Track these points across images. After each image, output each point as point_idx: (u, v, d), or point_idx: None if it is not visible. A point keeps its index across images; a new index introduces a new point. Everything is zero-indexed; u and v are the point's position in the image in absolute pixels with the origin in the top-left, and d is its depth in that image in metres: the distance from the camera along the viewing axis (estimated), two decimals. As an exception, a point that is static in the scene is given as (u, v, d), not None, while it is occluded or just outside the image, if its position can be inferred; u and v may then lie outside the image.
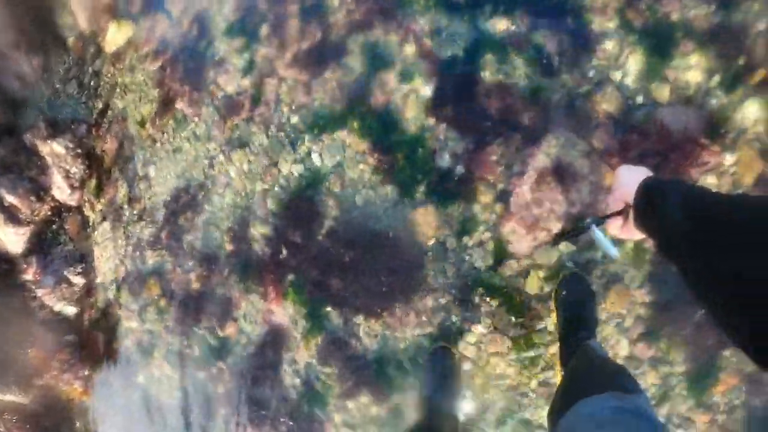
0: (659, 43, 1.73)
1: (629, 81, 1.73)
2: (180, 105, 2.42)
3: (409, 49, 1.88)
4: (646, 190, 0.77)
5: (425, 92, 1.81)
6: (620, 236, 0.91)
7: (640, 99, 1.72)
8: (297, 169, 1.97)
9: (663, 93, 1.71)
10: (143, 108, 2.64)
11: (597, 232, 0.94)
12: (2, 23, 3.11)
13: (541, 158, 1.69)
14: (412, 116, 1.81)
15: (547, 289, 1.66)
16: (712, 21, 1.73)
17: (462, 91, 1.76)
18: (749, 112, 1.67)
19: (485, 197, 1.70)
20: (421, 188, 1.77)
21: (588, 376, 1.19)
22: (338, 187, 1.88)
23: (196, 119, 2.35)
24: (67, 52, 3.22)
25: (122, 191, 2.66)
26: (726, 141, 1.67)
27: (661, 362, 1.67)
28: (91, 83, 3.02)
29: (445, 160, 1.74)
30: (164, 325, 2.34)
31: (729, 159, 1.66)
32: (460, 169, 1.73)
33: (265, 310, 2.02)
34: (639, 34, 1.74)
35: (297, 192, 1.95)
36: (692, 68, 1.71)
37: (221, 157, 2.19)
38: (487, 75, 1.77)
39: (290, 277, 1.94)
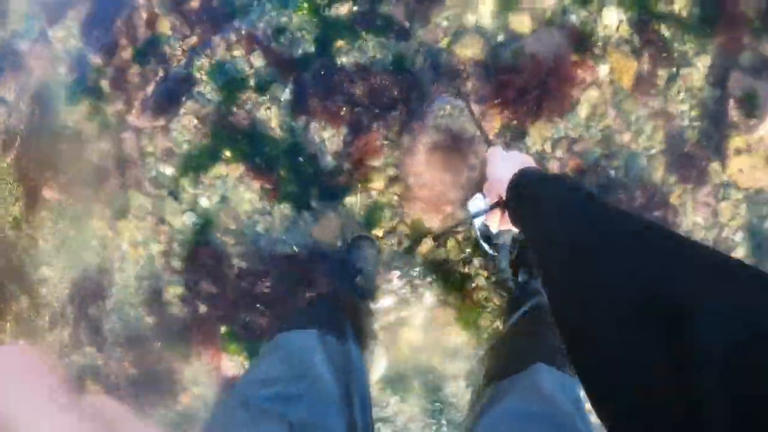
0: None
1: (486, 22, 1.70)
2: (48, 193, 2.21)
3: (259, 60, 1.77)
4: (515, 187, 0.71)
5: (285, 97, 1.71)
6: (503, 228, 0.85)
7: (501, 37, 1.70)
8: (188, 219, 1.83)
9: (523, 24, 1.69)
10: (13, 209, 2.40)
11: (476, 229, 0.88)
12: None
13: (429, 131, 1.64)
14: (279, 125, 1.71)
15: (468, 249, 1.63)
16: None
17: (323, 85, 1.68)
18: (609, 18, 1.69)
19: (379, 183, 1.64)
20: (315, 196, 1.68)
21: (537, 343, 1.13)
22: (232, 222, 1.76)
23: (70, 202, 2.15)
24: None
25: (25, 303, 2.42)
26: (595, 52, 1.68)
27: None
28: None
29: (327, 160, 1.66)
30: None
31: (603, 69, 1.69)
32: (346, 165, 1.65)
33: (210, 369, 1.90)
34: None
35: (195, 241, 1.82)
36: None
37: (109, 233, 2.02)
38: (345, 61, 1.69)
39: (222, 329, 1.82)
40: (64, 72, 2.21)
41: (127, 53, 2.02)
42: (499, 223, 0.83)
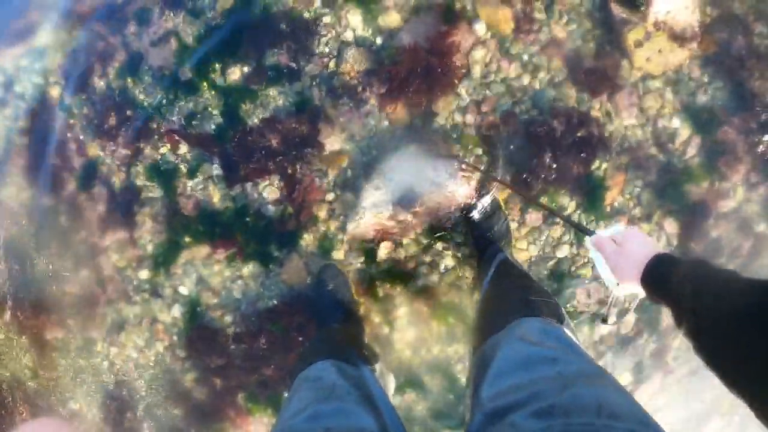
0: None
1: (361, 32, 1.83)
2: (50, 335, 2.35)
3: (183, 148, 1.93)
4: (654, 274, 0.82)
5: (216, 172, 1.86)
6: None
7: (379, 40, 1.83)
8: (176, 311, 1.97)
9: (393, 21, 1.81)
10: (25, 360, 2.54)
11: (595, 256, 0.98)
12: None
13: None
14: (220, 198, 1.86)
15: (425, 240, 1.76)
16: None
17: (243, 150, 1.83)
18: None
19: (323, 213, 1.78)
20: (273, 247, 1.82)
21: (506, 300, 1.18)
22: (213, 298, 1.90)
23: (70, 336, 2.29)
24: None
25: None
26: (467, 15, 1.79)
27: (554, 215, 1.78)
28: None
29: (270, 211, 1.80)
30: None
31: (480, 27, 1.78)
32: (289, 209, 1.79)
33: (245, 435, 2.01)
34: None
35: (189, 328, 1.96)
36: None
37: (113, 350, 2.16)
38: (255, 121, 1.85)
39: (240, 395, 1.94)
40: (25, 222, 2.37)
41: (71, 185, 2.19)
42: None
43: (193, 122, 1.89)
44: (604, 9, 1.77)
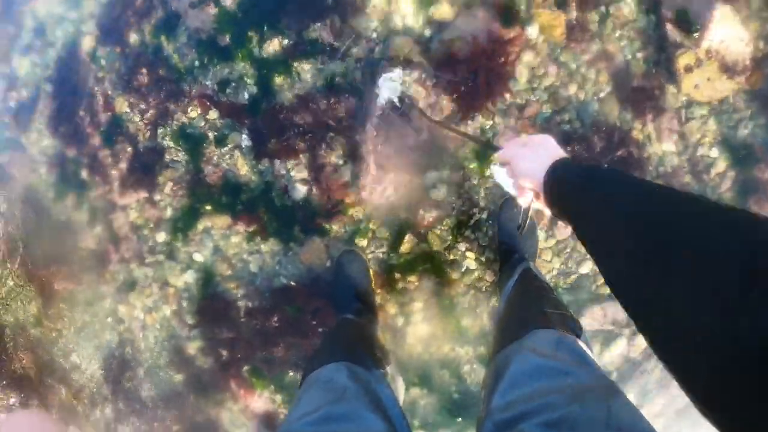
0: None
1: (411, 21, 1.79)
2: (59, 286, 2.35)
3: (213, 114, 1.90)
4: (552, 182, 0.73)
5: (245, 143, 1.83)
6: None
7: (428, 32, 1.78)
8: (189, 277, 1.96)
9: (445, 12, 1.77)
10: (31, 308, 2.55)
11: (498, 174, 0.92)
12: None
13: (375, 128, 1.75)
14: (247, 170, 1.83)
15: (450, 237, 1.73)
16: None
17: (274, 124, 1.80)
18: None
19: (351, 198, 1.75)
20: (296, 227, 1.80)
21: (526, 308, 1.18)
22: (228, 269, 1.89)
23: (79, 289, 2.29)
24: None
25: (64, 391, 2.57)
26: (521, 16, 1.75)
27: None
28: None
29: (298, 192, 1.78)
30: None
31: (532, 30, 1.74)
32: (315, 191, 1.77)
33: (243, 408, 2.02)
34: None
35: (201, 295, 1.95)
36: None
37: (122, 308, 2.16)
38: (288, 96, 1.81)
39: (245, 368, 1.94)
40: (44, 172, 2.36)
41: (95, 139, 2.16)
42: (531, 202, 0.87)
43: (227, 90, 1.86)
44: (659, 29, 1.72)
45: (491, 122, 1.74)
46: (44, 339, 2.55)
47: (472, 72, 1.73)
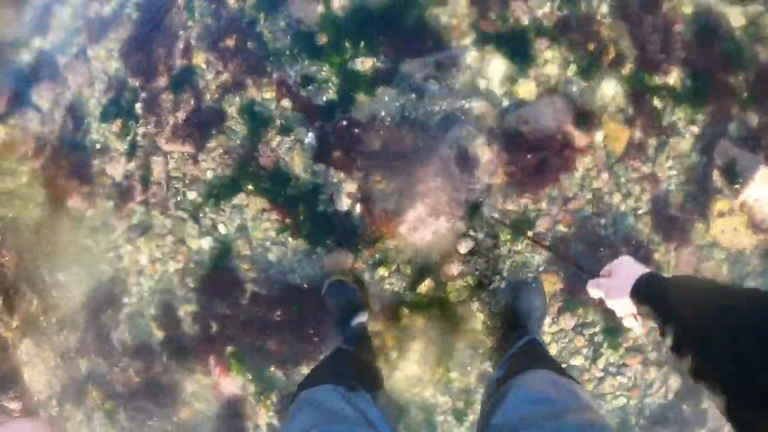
0: (515, 46, 1.89)
1: (495, 87, 1.87)
2: (72, 202, 2.34)
3: (287, 103, 1.94)
4: (643, 286, 0.88)
5: (309, 141, 1.87)
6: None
7: (506, 102, 1.87)
8: (206, 243, 1.98)
9: (529, 91, 1.86)
10: (33, 212, 2.53)
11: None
12: None
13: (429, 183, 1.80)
14: (302, 167, 1.87)
15: (466, 293, 1.78)
16: (559, 15, 1.90)
17: (344, 136, 1.84)
18: (607, 90, 1.87)
19: (391, 229, 1.79)
20: (328, 234, 1.83)
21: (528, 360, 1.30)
22: (248, 249, 1.91)
23: (91, 212, 2.29)
24: None
25: (34, 303, 2.54)
26: (593, 120, 1.85)
27: (584, 326, 1.83)
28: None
29: (343, 203, 1.82)
30: (120, 427, 2.28)
31: (599, 135, 1.85)
32: (359, 208, 1.81)
33: (212, 385, 2.02)
34: (495, 42, 1.88)
35: (212, 264, 1.97)
36: (549, 62, 1.88)
37: (128, 247, 2.16)
38: (364, 114, 1.86)
39: (229, 348, 1.95)
40: (100, 90, 2.37)
41: (163, 80, 2.19)
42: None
43: (308, 87, 1.90)
44: (706, 169, 1.83)
45: (537, 206, 1.81)
46: (35, 248, 2.53)
47: (535, 154, 1.80)
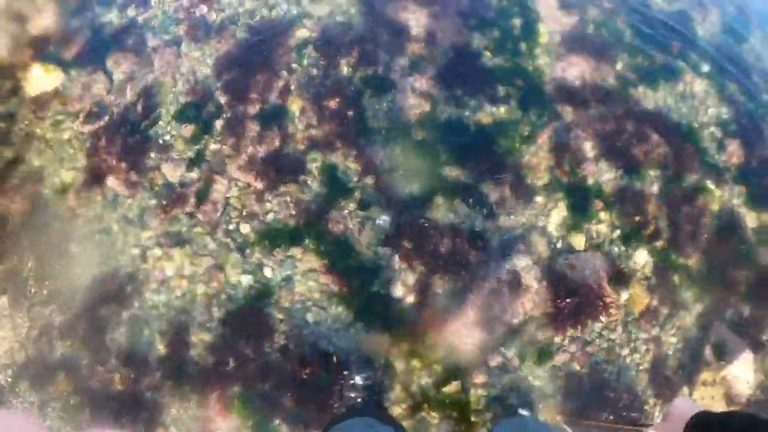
0: (577, 200, 2.10)
1: (553, 229, 2.07)
2: (112, 182, 2.31)
3: (369, 180, 2.03)
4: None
5: (382, 223, 1.96)
6: None
7: (560, 245, 2.06)
8: (246, 280, 1.99)
9: (578, 243, 2.07)
10: (66, 174, 2.46)
11: None
12: None
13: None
14: (368, 243, 1.95)
15: (483, 405, 1.88)
16: (618, 184, 2.16)
17: (417, 231, 1.94)
18: (640, 258, 2.11)
19: (436, 326, 1.88)
20: (374, 314, 1.89)
21: None
22: (288, 302, 1.94)
23: (130, 201, 2.25)
24: None
25: (29, 263, 2.42)
26: (624, 282, 2.08)
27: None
28: (1, 125, 2.71)
29: (398, 290, 1.90)
30: (72, 425, 2.16)
31: (624, 295, 2.08)
32: (410, 299, 1.89)
33: (203, 418, 1.98)
34: (563, 190, 2.08)
35: (245, 302, 1.97)
36: (602, 222, 2.11)
37: (157, 251, 2.13)
38: (439, 215, 1.98)
39: (236, 388, 1.93)
40: (183, 88, 2.38)
41: (253, 108, 2.24)
42: None
43: (394, 174, 2.01)
44: (701, 344, 2.10)
45: (561, 341, 1.98)
46: (54, 207, 2.44)
47: (574, 298, 1.98)
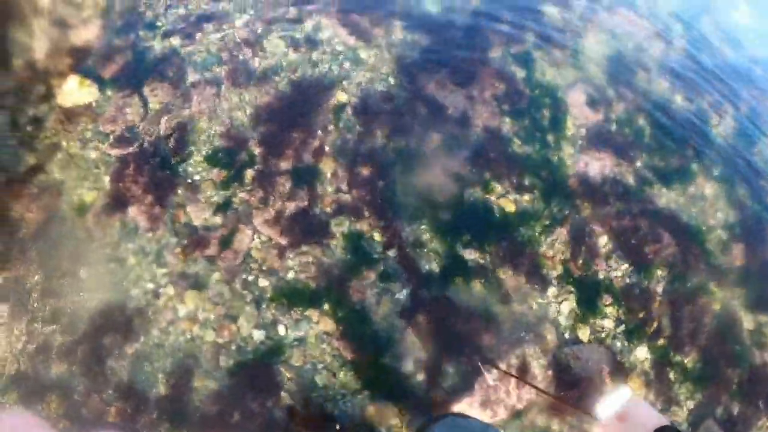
0: (588, 293, 2.23)
1: (563, 319, 2.19)
2: (134, 213, 2.35)
3: (392, 253, 2.12)
4: None
5: (401, 297, 2.06)
6: None
7: (567, 335, 2.18)
8: (259, 334, 2.05)
9: (585, 333, 2.19)
10: (87, 193, 2.49)
11: None
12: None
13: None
14: (384, 314, 2.03)
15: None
16: (627, 281, 2.30)
17: (434, 309, 2.04)
18: (640, 354, 2.26)
19: (441, 404, 1.97)
20: (382, 385, 1.97)
21: None
22: (299, 362, 2.00)
23: (150, 235, 2.29)
24: (8, 73, 2.87)
25: (36, 277, 2.43)
26: (623, 375, 2.20)
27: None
28: (28, 128, 2.72)
29: (408, 365, 1.99)
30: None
31: (623, 386, 2.20)
32: (420, 376, 1.98)
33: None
34: (575, 283, 2.21)
35: (255, 357, 2.03)
36: (608, 317, 2.24)
37: (171, 290, 2.18)
38: (458, 296, 2.09)
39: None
40: (218, 130, 2.47)
41: (286, 164, 2.33)
42: None
43: (417, 249, 2.11)
44: None
45: (559, 427, 2.09)
46: (70, 225, 2.46)
47: (576, 390, 2.10)
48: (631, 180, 2.71)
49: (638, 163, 2.80)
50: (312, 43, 2.66)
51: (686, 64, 3.55)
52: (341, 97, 2.49)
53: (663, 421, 0.85)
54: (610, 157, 2.72)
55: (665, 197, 2.71)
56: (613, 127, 2.90)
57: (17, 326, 2.40)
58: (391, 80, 2.59)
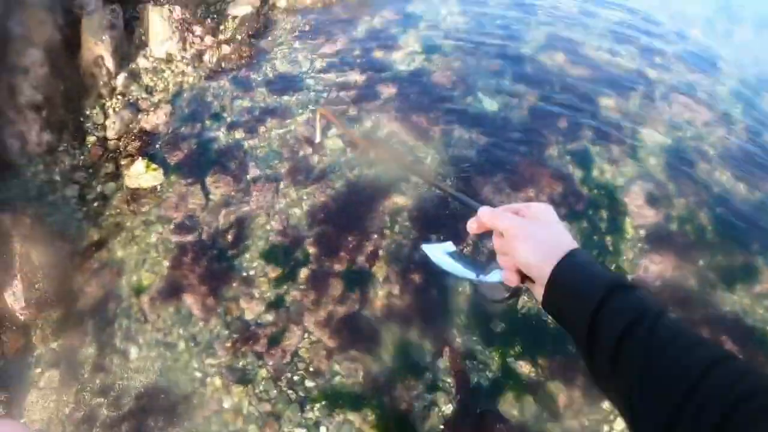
0: None
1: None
2: (189, 300, 2.49)
3: (441, 364, 2.20)
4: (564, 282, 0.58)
5: (447, 410, 2.12)
6: None
7: None
8: (299, 433, 2.11)
9: None
10: (145, 275, 2.65)
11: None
12: (41, 76, 2.96)
13: None
14: (430, 428, 2.08)
15: None
16: None
17: (484, 423, 2.09)
18: None
19: None
20: None
21: None
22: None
23: (202, 324, 2.41)
24: (82, 149, 3.11)
25: (89, 350, 2.54)
26: None
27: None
28: (95, 204, 2.92)
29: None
30: None
31: None
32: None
33: None
34: None
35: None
36: None
37: (218, 381, 2.28)
38: (507, 410, 2.13)
39: None
40: (275, 227, 2.64)
41: (340, 266, 2.52)
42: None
43: (467, 361, 2.22)
44: None
45: None
46: (126, 305, 2.58)
47: None
48: (692, 283, 2.67)
49: (700, 262, 2.73)
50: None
51: (747, 149, 3.50)
52: (398, 200, 2.67)
53: (573, 244, 0.62)
54: (670, 259, 2.72)
55: (729, 300, 2.60)
56: (674, 226, 2.90)
57: (66, 393, 2.50)
58: (447, 182, 2.77)
